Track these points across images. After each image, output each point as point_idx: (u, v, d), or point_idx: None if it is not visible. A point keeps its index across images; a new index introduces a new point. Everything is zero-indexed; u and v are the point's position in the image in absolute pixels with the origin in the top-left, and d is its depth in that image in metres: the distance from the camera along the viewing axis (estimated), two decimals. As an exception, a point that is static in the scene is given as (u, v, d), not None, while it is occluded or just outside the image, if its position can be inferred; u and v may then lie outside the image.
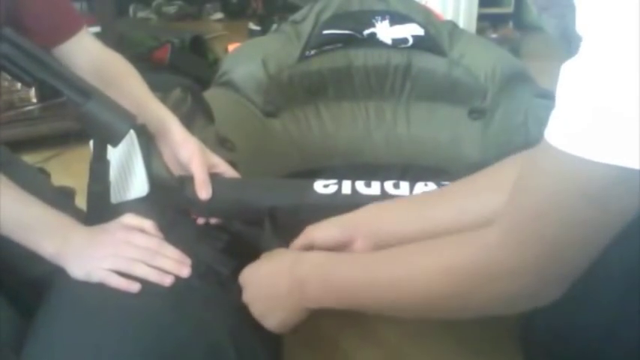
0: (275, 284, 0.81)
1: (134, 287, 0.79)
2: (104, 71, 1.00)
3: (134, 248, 0.83)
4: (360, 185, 0.94)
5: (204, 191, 0.94)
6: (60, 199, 0.98)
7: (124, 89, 0.94)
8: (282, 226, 0.92)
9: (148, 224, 0.87)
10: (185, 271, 0.83)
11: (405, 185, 0.93)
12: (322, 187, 0.94)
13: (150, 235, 0.86)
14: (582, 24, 0.53)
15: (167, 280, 0.81)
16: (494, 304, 0.65)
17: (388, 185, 0.93)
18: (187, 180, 0.94)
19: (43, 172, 1.15)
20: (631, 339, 0.71)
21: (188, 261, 0.85)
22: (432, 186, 0.93)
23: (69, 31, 1.04)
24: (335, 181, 0.95)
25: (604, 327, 0.75)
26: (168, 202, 0.92)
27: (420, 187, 0.93)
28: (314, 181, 0.96)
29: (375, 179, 0.95)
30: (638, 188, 0.51)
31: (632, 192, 0.52)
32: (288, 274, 0.80)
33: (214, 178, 0.96)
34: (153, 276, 0.81)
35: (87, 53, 1.05)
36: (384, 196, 0.92)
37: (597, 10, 0.51)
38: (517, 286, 0.62)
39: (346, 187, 0.94)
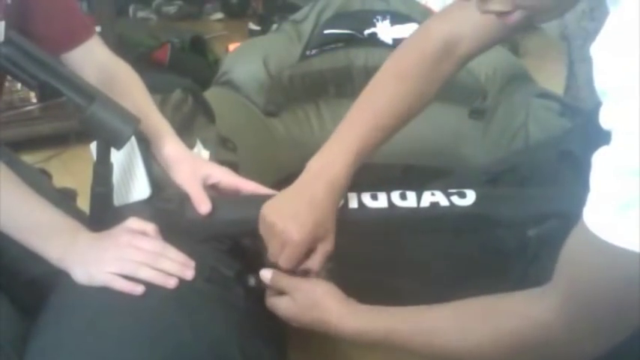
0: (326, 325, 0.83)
1: (138, 290, 0.79)
2: (109, 80, 1.00)
3: (138, 251, 0.83)
4: (366, 198, 0.91)
5: (203, 206, 0.91)
6: (62, 201, 0.98)
7: (126, 99, 0.94)
8: None
9: (150, 227, 0.87)
10: (189, 274, 0.83)
11: (411, 196, 0.91)
12: None
13: (153, 238, 0.86)
14: (609, 117, 0.55)
15: (171, 283, 0.81)
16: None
17: (395, 196, 0.91)
18: (186, 201, 0.92)
19: (45, 174, 1.15)
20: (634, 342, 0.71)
21: (192, 263, 0.84)
22: (439, 196, 0.91)
23: (79, 38, 1.04)
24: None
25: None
26: (170, 227, 0.89)
27: (427, 196, 0.91)
28: None
29: (380, 187, 0.92)
30: None
31: None
32: (332, 331, 0.82)
33: (215, 199, 0.94)
34: (157, 279, 0.81)
35: (95, 61, 1.05)
36: (392, 208, 0.90)
37: (626, 103, 0.53)
38: (563, 354, 0.68)
39: (353, 201, 0.91)
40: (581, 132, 1.03)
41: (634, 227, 0.53)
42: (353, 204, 0.91)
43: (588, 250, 0.59)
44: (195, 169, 0.96)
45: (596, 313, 0.62)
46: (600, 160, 0.57)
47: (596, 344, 0.65)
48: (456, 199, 0.91)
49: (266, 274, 0.86)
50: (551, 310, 0.66)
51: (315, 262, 0.84)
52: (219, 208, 0.92)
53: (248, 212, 0.91)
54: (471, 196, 0.91)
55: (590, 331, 0.64)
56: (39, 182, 1.01)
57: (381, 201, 0.91)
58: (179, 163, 0.96)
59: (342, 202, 0.89)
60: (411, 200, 0.91)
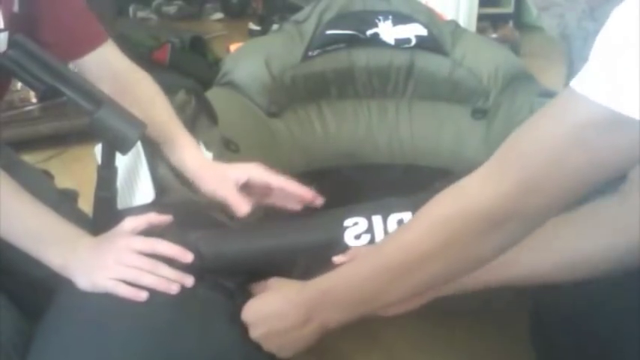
0: (285, 317, 0.78)
1: (142, 295, 0.79)
2: (125, 88, 0.99)
3: (138, 257, 0.82)
4: (392, 229, 0.87)
5: (243, 207, 0.91)
6: (63, 202, 0.97)
7: (147, 114, 0.93)
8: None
9: (150, 217, 0.86)
10: (188, 281, 0.82)
11: None
12: (354, 238, 0.87)
13: (148, 238, 0.85)
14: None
15: (173, 288, 0.81)
16: (482, 246, 0.67)
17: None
18: (200, 239, 0.89)
19: (47, 174, 1.14)
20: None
21: (190, 255, 0.83)
22: None
23: (89, 44, 1.02)
24: (366, 226, 0.88)
25: (615, 325, 0.74)
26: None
27: None
28: (344, 229, 0.88)
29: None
30: (629, 140, 0.53)
31: (622, 143, 0.54)
32: (296, 303, 0.78)
33: (230, 234, 0.93)
34: (159, 285, 0.80)
35: (110, 69, 1.03)
36: None
37: None
38: (501, 226, 0.64)
39: (379, 235, 0.87)
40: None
41: (613, 83, 0.53)
42: (380, 239, 0.87)
43: (550, 106, 0.59)
44: (223, 174, 0.95)
45: (523, 173, 0.61)
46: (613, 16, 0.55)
47: (522, 216, 0.63)
48: None
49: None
50: (476, 181, 0.65)
51: None
52: (235, 246, 0.90)
53: (271, 251, 0.89)
54: None
55: (517, 198, 0.62)
56: (41, 183, 1.01)
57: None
58: (205, 171, 0.96)
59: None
60: None
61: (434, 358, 1.18)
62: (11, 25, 0.91)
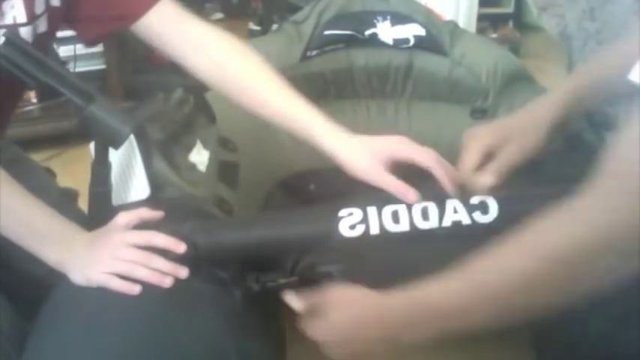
0: (368, 336, 0.75)
1: (135, 289, 0.80)
2: (228, 77, 0.97)
3: (132, 250, 0.83)
4: (387, 221, 0.87)
5: (410, 195, 0.86)
6: (63, 201, 0.98)
7: (257, 101, 0.90)
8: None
9: (141, 212, 0.86)
10: (183, 273, 0.83)
11: (433, 213, 0.88)
12: (349, 228, 0.88)
13: (142, 232, 0.86)
14: None
15: (167, 281, 0.81)
16: (601, 275, 0.65)
17: (417, 217, 0.87)
18: (195, 230, 0.89)
19: (50, 172, 1.15)
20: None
21: (182, 246, 0.84)
22: (462, 213, 0.87)
23: (141, 4, 0.99)
24: (361, 216, 0.88)
25: (615, 326, 0.74)
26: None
27: (450, 214, 0.88)
28: (338, 219, 0.88)
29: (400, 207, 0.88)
30: None
31: None
32: (380, 319, 0.75)
33: (225, 225, 0.93)
34: (152, 278, 0.81)
35: (174, 28, 1.00)
36: (414, 231, 0.87)
37: None
38: (620, 252, 0.62)
39: (374, 225, 0.87)
40: (586, 116, 1.01)
41: None
42: (374, 230, 0.87)
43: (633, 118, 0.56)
44: (369, 155, 0.90)
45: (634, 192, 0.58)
46: None
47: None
48: (477, 216, 0.87)
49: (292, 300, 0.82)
50: (591, 207, 0.62)
51: None
52: (228, 236, 0.90)
53: (264, 243, 0.88)
54: (493, 209, 0.88)
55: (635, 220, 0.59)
56: (43, 180, 1.02)
57: (403, 224, 0.87)
58: (348, 156, 0.92)
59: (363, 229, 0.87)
60: (432, 220, 0.87)
61: (434, 355, 1.18)
62: (53, 18, 0.91)
